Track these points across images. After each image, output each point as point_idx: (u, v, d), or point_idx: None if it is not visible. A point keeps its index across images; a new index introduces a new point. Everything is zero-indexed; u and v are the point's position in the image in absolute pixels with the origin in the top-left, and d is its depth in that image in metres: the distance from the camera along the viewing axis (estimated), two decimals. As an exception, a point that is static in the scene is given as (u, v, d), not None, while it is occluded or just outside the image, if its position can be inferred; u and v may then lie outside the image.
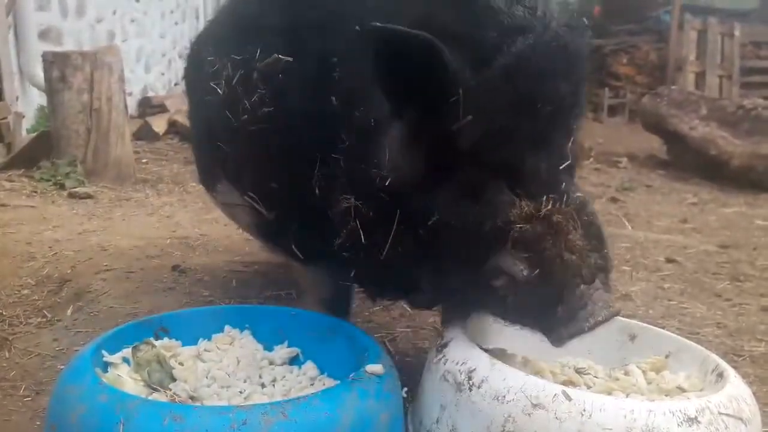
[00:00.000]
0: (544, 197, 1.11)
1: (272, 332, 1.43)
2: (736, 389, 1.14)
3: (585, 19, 1.26)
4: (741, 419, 1.07)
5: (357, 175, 1.21)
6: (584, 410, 1.04)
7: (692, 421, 1.03)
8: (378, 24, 1.06)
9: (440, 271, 1.19)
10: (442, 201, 1.14)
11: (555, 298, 1.08)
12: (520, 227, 1.09)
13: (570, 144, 1.20)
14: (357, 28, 1.19)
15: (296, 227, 1.42)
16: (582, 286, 1.09)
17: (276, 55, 1.31)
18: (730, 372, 1.21)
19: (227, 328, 1.44)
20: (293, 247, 1.44)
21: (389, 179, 1.16)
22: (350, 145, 1.23)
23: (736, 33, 8.13)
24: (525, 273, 1.08)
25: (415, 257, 1.19)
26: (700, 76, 8.09)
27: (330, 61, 1.25)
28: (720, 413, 1.06)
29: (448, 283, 1.20)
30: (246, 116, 1.35)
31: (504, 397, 1.09)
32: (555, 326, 1.10)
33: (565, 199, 1.13)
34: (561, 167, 1.17)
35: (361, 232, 1.20)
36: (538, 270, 1.08)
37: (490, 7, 1.16)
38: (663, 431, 1.02)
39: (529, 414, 1.06)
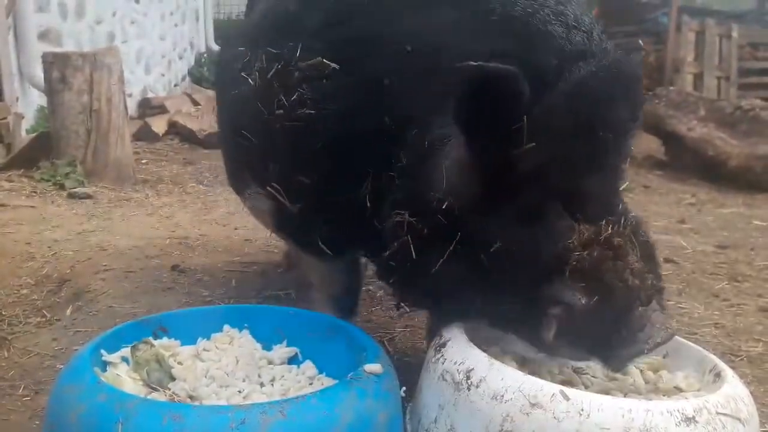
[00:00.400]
0: (603, 221, 1.13)
1: (271, 332, 1.43)
2: (734, 389, 1.14)
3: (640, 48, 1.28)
4: (739, 419, 1.07)
5: (412, 194, 1.22)
6: (582, 410, 1.04)
7: (690, 420, 1.03)
8: (471, 63, 1.07)
9: (492, 294, 1.18)
10: (501, 225, 1.14)
11: (614, 323, 1.09)
12: (578, 255, 1.10)
13: (625, 165, 1.23)
14: (408, 48, 1.22)
15: (325, 223, 1.42)
16: (640, 308, 1.09)
17: (320, 58, 1.31)
18: (728, 372, 1.21)
19: (226, 327, 1.44)
20: (319, 241, 1.44)
21: (446, 202, 1.16)
22: (406, 165, 1.23)
23: (734, 34, 8.14)
24: (583, 302, 1.08)
25: (467, 278, 1.18)
26: (698, 78, 8.10)
27: (382, 81, 1.25)
28: (718, 413, 1.06)
29: (498, 308, 1.19)
30: (281, 111, 1.34)
31: (502, 396, 1.09)
32: (613, 350, 1.11)
33: (622, 220, 1.14)
34: (618, 188, 1.20)
35: (412, 248, 1.20)
36: (596, 298, 1.08)
37: (548, 32, 1.17)
38: (661, 431, 1.02)
39: (527, 413, 1.06)
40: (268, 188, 1.43)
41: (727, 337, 2.04)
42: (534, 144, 1.09)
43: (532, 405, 1.06)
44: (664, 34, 8.51)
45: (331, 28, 1.34)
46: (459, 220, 1.17)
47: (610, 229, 1.12)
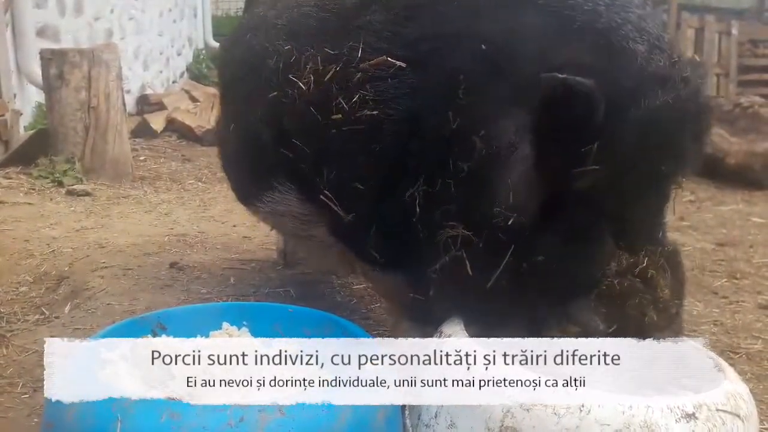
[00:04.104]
0: (643, 251, 1.13)
1: (269, 329, 1.43)
2: (734, 386, 1.14)
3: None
4: (738, 416, 1.08)
5: (471, 206, 1.19)
6: (583, 406, 1.04)
7: (690, 417, 1.03)
8: (553, 74, 1.05)
9: (524, 307, 1.17)
10: (550, 242, 1.14)
11: None
12: (609, 282, 1.11)
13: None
14: (483, 47, 1.17)
15: (377, 231, 1.38)
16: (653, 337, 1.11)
17: (385, 57, 1.25)
18: (728, 369, 1.21)
19: (225, 324, 1.44)
20: (371, 250, 1.40)
21: (511, 218, 1.14)
22: (467, 175, 1.19)
23: (734, 31, 8.13)
24: (601, 329, 1.09)
25: (506, 292, 1.17)
26: (698, 74, 8.09)
27: (451, 81, 1.20)
28: (718, 410, 1.06)
29: (524, 320, 1.17)
30: (339, 115, 1.28)
31: (503, 391, 1.08)
32: None
33: (660, 250, 1.15)
34: (664, 214, 1.20)
35: (468, 265, 1.18)
36: (615, 327, 1.09)
37: (630, 50, 1.13)
38: (661, 427, 1.01)
39: (528, 409, 1.06)
40: (321, 197, 1.37)
41: (726, 334, 2.05)
42: (597, 166, 1.08)
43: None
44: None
45: (398, 25, 1.28)
46: (515, 235, 1.15)
47: (646, 260, 1.12)
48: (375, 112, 1.26)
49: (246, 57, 1.59)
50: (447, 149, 1.21)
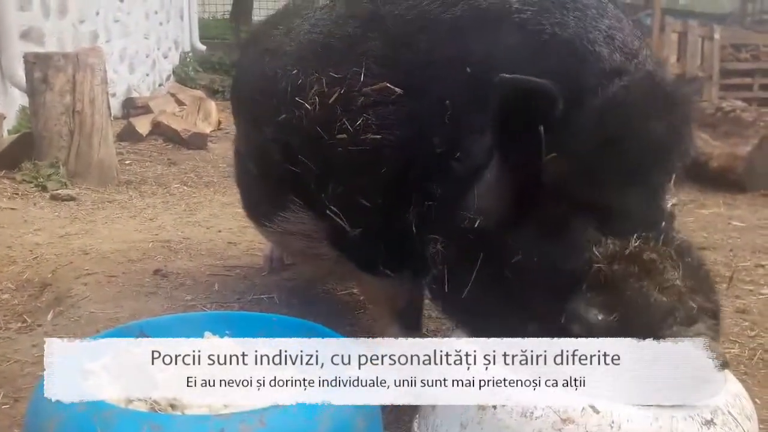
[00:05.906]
0: (634, 236, 1.11)
1: (252, 338, 1.43)
2: (735, 386, 1.16)
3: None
4: (745, 415, 1.11)
5: (445, 215, 1.26)
6: (613, 422, 1.04)
7: (709, 423, 1.05)
8: (508, 75, 1.10)
9: (520, 310, 1.17)
10: (529, 239, 1.16)
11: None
12: (598, 267, 1.09)
13: (671, 183, 1.23)
14: (468, 70, 1.24)
15: (382, 245, 1.45)
16: (677, 328, 1.06)
17: (385, 83, 1.33)
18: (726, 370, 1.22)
19: (207, 334, 1.44)
20: (378, 263, 1.48)
21: (477, 221, 1.19)
22: (443, 193, 1.27)
23: (716, 36, 8.23)
24: (600, 318, 1.07)
25: (499, 297, 1.19)
26: (681, 78, 8.19)
27: (440, 107, 1.27)
28: (729, 412, 1.08)
29: (527, 325, 1.16)
30: (344, 136, 1.36)
31: (532, 413, 1.07)
32: None
33: (662, 237, 1.13)
34: (659, 206, 1.19)
35: (446, 280, 1.24)
36: (616, 315, 1.07)
37: (593, 54, 1.20)
38: None
39: (559, 429, 1.05)
40: (327, 212, 1.44)
41: (704, 338, 2.07)
42: (558, 155, 1.10)
43: (564, 420, 1.05)
44: (648, 34, 8.58)
45: (395, 52, 1.36)
46: (490, 238, 1.18)
47: (640, 244, 1.11)
48: (378, 137, 1.34)
49: (260, 83, 1.67)
50: (437, 170, 1.28)
